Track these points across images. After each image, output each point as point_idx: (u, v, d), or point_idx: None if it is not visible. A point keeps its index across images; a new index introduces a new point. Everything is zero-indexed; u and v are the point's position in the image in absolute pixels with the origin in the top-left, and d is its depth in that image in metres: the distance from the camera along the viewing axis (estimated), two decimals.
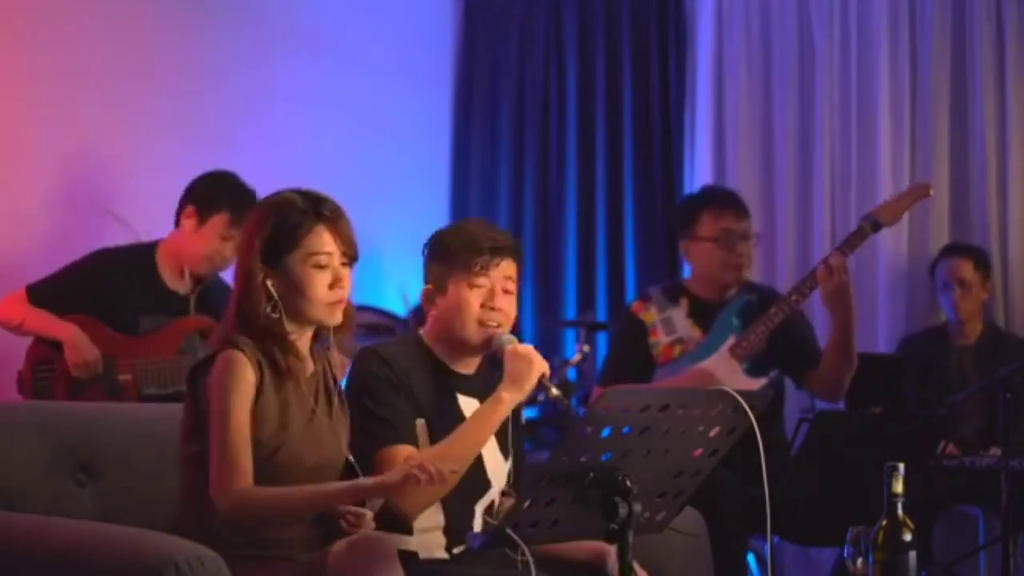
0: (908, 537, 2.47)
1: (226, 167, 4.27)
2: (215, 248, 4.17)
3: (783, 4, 5.60)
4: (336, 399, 2.81)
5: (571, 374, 5.43)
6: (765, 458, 2.56)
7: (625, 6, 5.91)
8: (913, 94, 5.39)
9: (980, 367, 4.83)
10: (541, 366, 2.86)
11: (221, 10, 5.14)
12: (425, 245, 3.04)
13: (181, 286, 4.21)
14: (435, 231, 3.05)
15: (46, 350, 4.08)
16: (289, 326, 2.71)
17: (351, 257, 2.74)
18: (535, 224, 6.04)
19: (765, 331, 4.23)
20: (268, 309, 2.69)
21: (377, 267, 5.38)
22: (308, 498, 2.64)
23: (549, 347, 5.65)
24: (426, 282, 3.02)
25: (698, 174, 5.64)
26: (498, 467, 2.97)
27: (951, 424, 4.25)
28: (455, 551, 2.92)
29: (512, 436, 3.00)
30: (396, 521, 2.82)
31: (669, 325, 4.39)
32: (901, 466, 2.48)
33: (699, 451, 2.57)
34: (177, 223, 4.22)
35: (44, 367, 4.08)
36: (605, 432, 2.38)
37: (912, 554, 2.48)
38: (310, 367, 2.77)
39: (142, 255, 4.20)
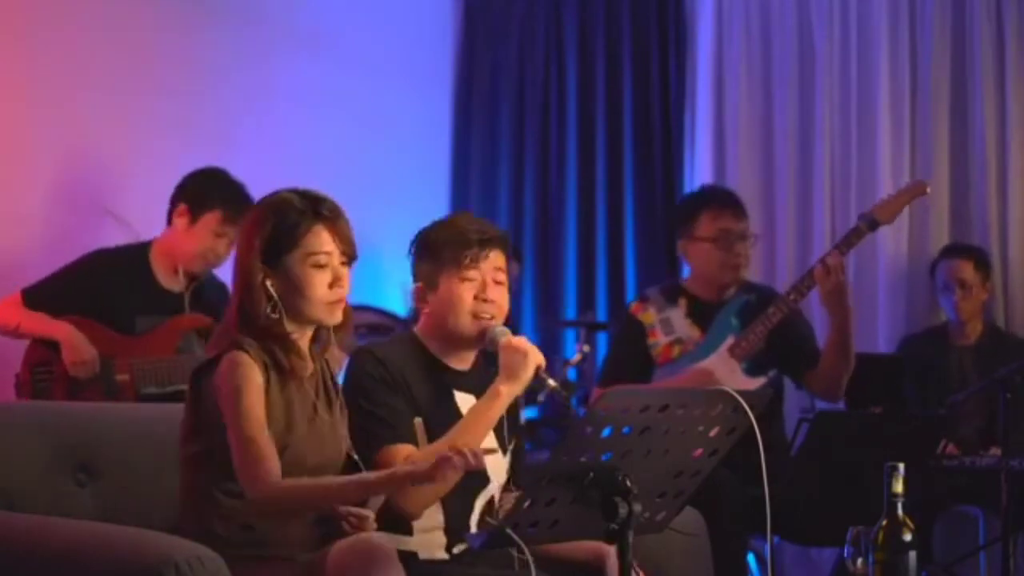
0: (908, 537, 2.47)
1: (226, 167, 4.28)
2: (208, 245, 4.18)
3: (783, 4, 5.60)
4: (335, 398, 2.81)
5: (571, 374, 5.43)
6: (765, 458, 2.56)
7: (625, 6, 5.92)
8: (913, 94, 5.39)
9: (980, 367, 4.83)
10: (536, 358, 2.85)
11: (221, 10, 5.14)
12: (411, 243, 3.03)
13: (176, 285, 4.22)
14: (420, 229, 3.04)
15: (43, 352, 4.08)
16: (289, 326, 2.70)
17: (350, 256, 2.74)
18: (535, 224, 6.05)
19: (764, 331, 4.23)
20: (268, 309, 2.68)
21: (377, 267, 5.37)
22: (345, 487, 2.64)
23: (549, 347, 5.65)
24: (415, 281, 3.02)
25: (698, 174, 5.64)
26: (496, 462, 2.97)
27: (951, 424, 4.25)
28: (455, 551, 2.92)
29: (509, 430, 3.00)
30: (396, 521, 2.82)
31: (668, 325, 4.39)
32: (901, 466, 2.48)
33: (699, 451, 2.57)
34: (169, 222, 4.23)
35: (42, 369, 4.08)
36: (605, 432, 2.38)
37: (912, 554, 2.48)
38: (310, 367, 2.77)
39: (136, 255, 4.21)
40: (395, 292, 5.47)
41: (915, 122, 5.40)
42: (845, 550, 2.65)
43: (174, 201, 4.22)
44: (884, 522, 2.48)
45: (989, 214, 5.25)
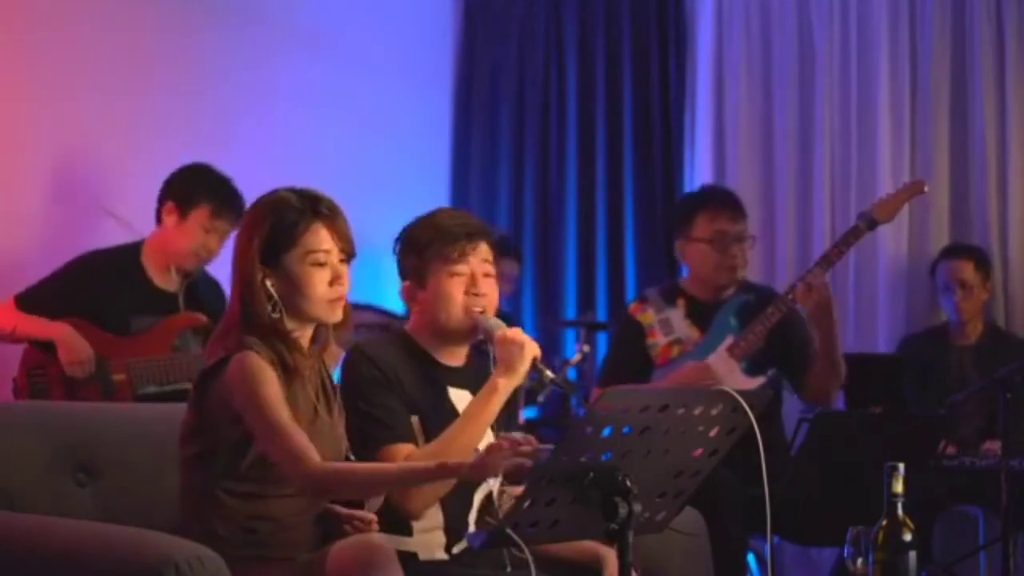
0: (908, 537, 2.47)
1: (226, 167, 4.28)
2: (200, 241, 4.19)
3: (783, 4, 5.60)
4: (334, 398, 2.81)
5: (571, 374, 5.43)
6: (765, 458, 2.56)
7: (625, 6, 5.92)
8: (913, 94, 5.39)
9: (980, 367, 4.83)
10: (533, 349, 2.84)
11: (221, 10, 5.14)
12: (396, 241, 3.02)
13: (169, 283, 4.22)
14: (403, 227, 3.02)
15: (39, 355, 4.08)
16: (290, 324, 2.70)
17: (349, 254, 2.73)
18: (535, 224, 6.05)
19: (763, 330, 4.23)
20: (268, 309, 2.68)
21: (377, 267, 5.37)
22: (397, 474, 2.64)
23: (549, 347, 5.65)
24: (403, 279, 3.01)
25: (698, 174, 5.64)
26: None
27: (951, 424, 4.25)
28: (455, 550, 2.92)
29: (507, 425, 2.99)
30: (395, 522, 2.82)
31: (667, 326, 4.39)
32: (901, 466, 2.48)
33: (699, 451, 2.57)
34: (158, 220, 4.23)
35: (38, 371, 4.08)
36: (605, 432, 2.37)
37: (912, 554, 2.47)
38: (312, 366, 2.77)
39: (128, 255, 4.21)
40: (395, 292, 5.46)
41: (915, 122, 5.40)
42: (845, 550, 2.65)
43: (162, 199, 4.23)
44: (884, 522, 2.48)
45: (989, 214, 5.25)
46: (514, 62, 6.09)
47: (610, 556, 2.89)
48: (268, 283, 2.68)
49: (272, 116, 5.24)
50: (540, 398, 5.15)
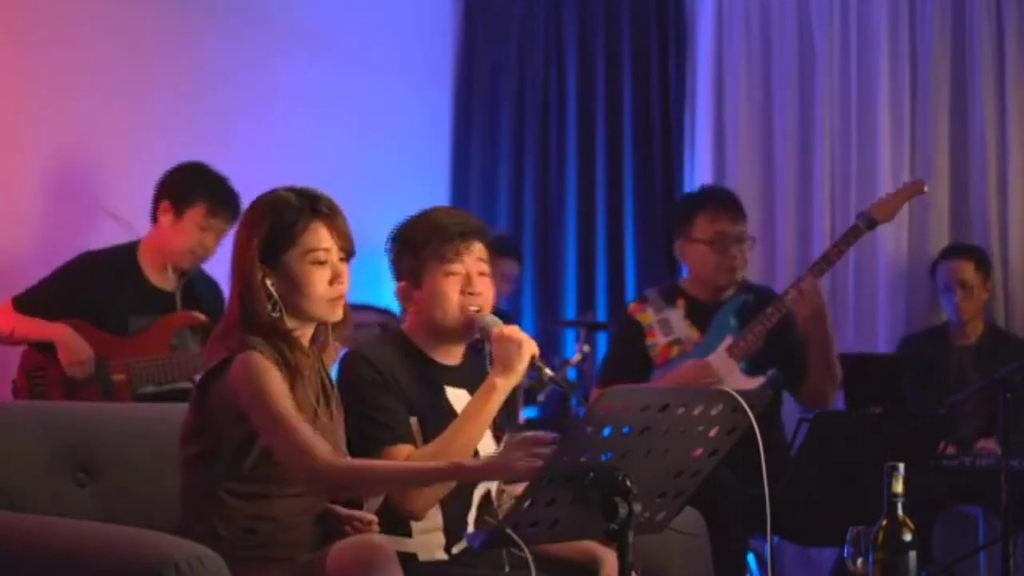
0: (908, 537, 2.47)
1: (226, 167, 4.28)
2: (196, 240, 4.19)
3: (783, 4, 5.60)
4: (333, 399, 2.81)
5: (571, 374, 5.43)
6: (765, 458, 2.56)
7: (625, 6, 5.91)
8: (913, 94, 5.39)
9: (980, 367, 4.83)
10: (531, 347, 2.83)
11: (221, 10, 5.14)
12: (389, 241, 3.01)
13: (166, 283, 4.23)
14: (396, 226, 3.01)
15: (38, 356, 4.09)
16: (290, 323, 2.70)
17: (348, 252, 2.73)
18: (535, 224, 6.04)
19: (762, 330, 4.23)
20: (268, 308, 2.68)
21: (377, 267, 5.37)
22: (414, 473, 2.64)
23: (549, 347, 5.65)
24: (397, 279, 3.00)
25: (698, 174, 5.64)
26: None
27: (951, 424, 4.25)
28: (454, 550, 2.91)
29: (506, 424, 2.99)
30: (395, 523, 2.82)
31: (666, 326, 4.39)
32: (901, 466, 2.48)
33: (699, 451, 2.56)
34: (154, 220, 4.23)
35: (37, 373, 4.08)
36: (605, 432, 2.37)
37: (912, 554, 2.47)
38: (312, 365, 2.77)
39: (124, 255, 4.21)
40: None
41: (915, 122, 5.40)
42: (845, 550, 2.65)
43: (157, 199, 4.23)
44: (884, 522, 2.48)
45: (989, 214, 5.25)
46: (514, 62, 6.09)
47: (607, 556, 2.89)
48: (268, 282, 2.68)
49: (272, 116, 5.24)
50: (540, 397, 5.15)
